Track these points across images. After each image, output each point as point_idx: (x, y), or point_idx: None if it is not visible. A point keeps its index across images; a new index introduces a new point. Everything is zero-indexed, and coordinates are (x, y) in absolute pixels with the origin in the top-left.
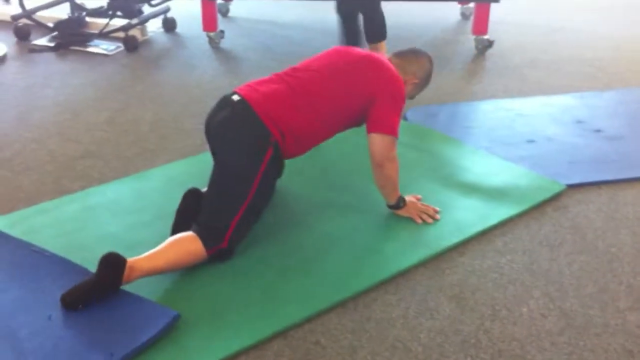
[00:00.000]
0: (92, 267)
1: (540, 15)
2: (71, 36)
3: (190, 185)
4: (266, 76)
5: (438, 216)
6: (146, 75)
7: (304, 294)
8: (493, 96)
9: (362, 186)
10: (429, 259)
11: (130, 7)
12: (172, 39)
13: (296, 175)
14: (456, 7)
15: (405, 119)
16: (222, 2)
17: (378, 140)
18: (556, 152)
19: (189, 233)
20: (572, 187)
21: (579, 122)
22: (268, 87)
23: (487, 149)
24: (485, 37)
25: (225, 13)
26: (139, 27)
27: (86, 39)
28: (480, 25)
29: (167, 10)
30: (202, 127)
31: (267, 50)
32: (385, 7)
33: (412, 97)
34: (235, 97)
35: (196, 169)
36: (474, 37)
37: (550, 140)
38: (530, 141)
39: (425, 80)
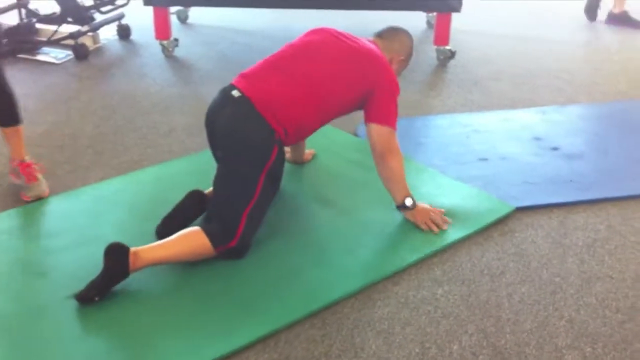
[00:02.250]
0: None
1: (509, 26)
2: (20, 43)
3: (122, 204)
4: (253, 65)
5: (446, 226)
6: (93, 85)
7: (221, 328)
8: (451, 110)
9: (298, 208)
10: (361, 290)
11: (80, 14)
12: (125, 46)
13: None
14: (422, 15)
15: (355, 134)
16: (181, 8)
17: (376, 130)
18: (509, 172)
19: (197, 228)
20: (522, 209)
21: (537, 139)
22: (268, 82)
23: (438, 167)
24: (447, 47)
25: (184, 19)
26: (90, 34)
27: (35, 46)
28: (442, 35)
29: (121, 17)
30: (142, 142)
31: (223, 59)
32: (349, 15)
33: (398, 74)
34: (235, 93)
35: (130, 187)
36: (435, 47)
37: (504, 159)
38: (483, 159)
39: (409, 55)
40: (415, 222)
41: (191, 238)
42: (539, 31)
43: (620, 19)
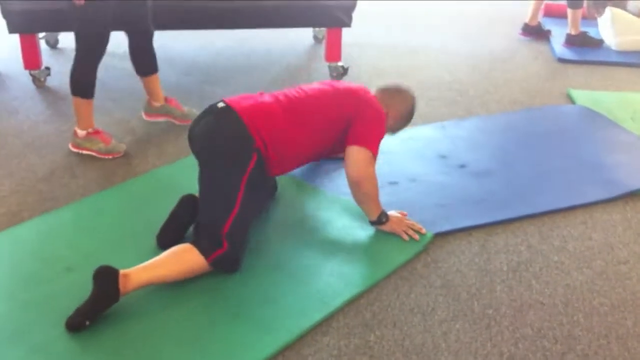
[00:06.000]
0: None
1: (398, 36)
2: None
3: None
4: None
5: (424, 230)
6: None
7: None
8: None
9: None
10: (289, 345)
11: None
12: None
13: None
14: (308, 30)
15: None
16: (49, 32)
17: (355, 153)
18: (421, 195)
19: (186, 244)
20: (441, 235)
21: (443, 157)
22: (257, 100)
23: (350, 195)
24: (340, 63)
25: (54, 44)
26: None
27: None
28: (333, 51)
29: None
30: (20, 189)
31: (101, 86)
32: (232, 33)
33: (394, 131)
34: (220, 104)
35: (9, 246)
36: (327, 64)
37: (414, 181)
38: (393, 183)
39: (408, 114)
40: (394, 232)
41: (181, 254)
42: (426, 40)
43: (533, 32)
